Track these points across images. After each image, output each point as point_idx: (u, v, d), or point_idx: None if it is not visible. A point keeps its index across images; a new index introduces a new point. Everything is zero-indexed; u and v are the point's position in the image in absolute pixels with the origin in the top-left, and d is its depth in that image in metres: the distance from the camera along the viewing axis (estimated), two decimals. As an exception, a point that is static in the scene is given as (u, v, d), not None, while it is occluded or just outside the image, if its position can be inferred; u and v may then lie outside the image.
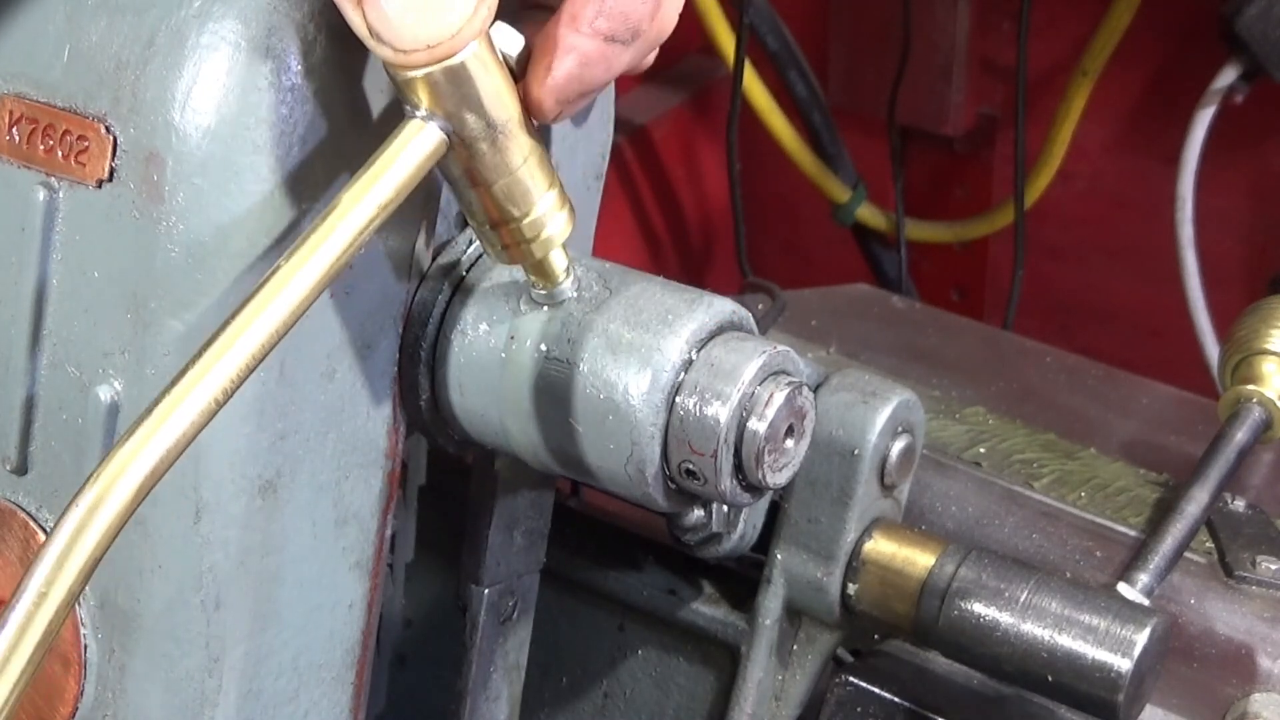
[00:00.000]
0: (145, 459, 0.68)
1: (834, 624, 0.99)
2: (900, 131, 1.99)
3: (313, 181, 0.80)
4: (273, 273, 0.72)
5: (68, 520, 0.67)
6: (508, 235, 0.80)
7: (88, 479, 0.68)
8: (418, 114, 0.75)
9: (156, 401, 0.69)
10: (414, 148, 0.75)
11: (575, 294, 0.84)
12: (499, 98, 0.76)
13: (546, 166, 0.80)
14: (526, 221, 0.79)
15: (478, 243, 0.88)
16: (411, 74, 0.74)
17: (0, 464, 0.85)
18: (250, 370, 0.71)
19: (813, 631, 1.01)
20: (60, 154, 0.80)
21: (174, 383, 0.70)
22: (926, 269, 2.09)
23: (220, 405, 0.70)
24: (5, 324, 0.83)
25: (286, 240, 0.79)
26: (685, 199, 2.17)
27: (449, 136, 0.76)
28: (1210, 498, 1.06)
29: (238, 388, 0.70)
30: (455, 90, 0.74)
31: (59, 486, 0.84)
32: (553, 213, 0.80)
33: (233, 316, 0.71)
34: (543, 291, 0.84)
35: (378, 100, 0.81)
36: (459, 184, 0.79)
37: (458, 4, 0.71)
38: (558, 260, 0.82)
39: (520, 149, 0.78)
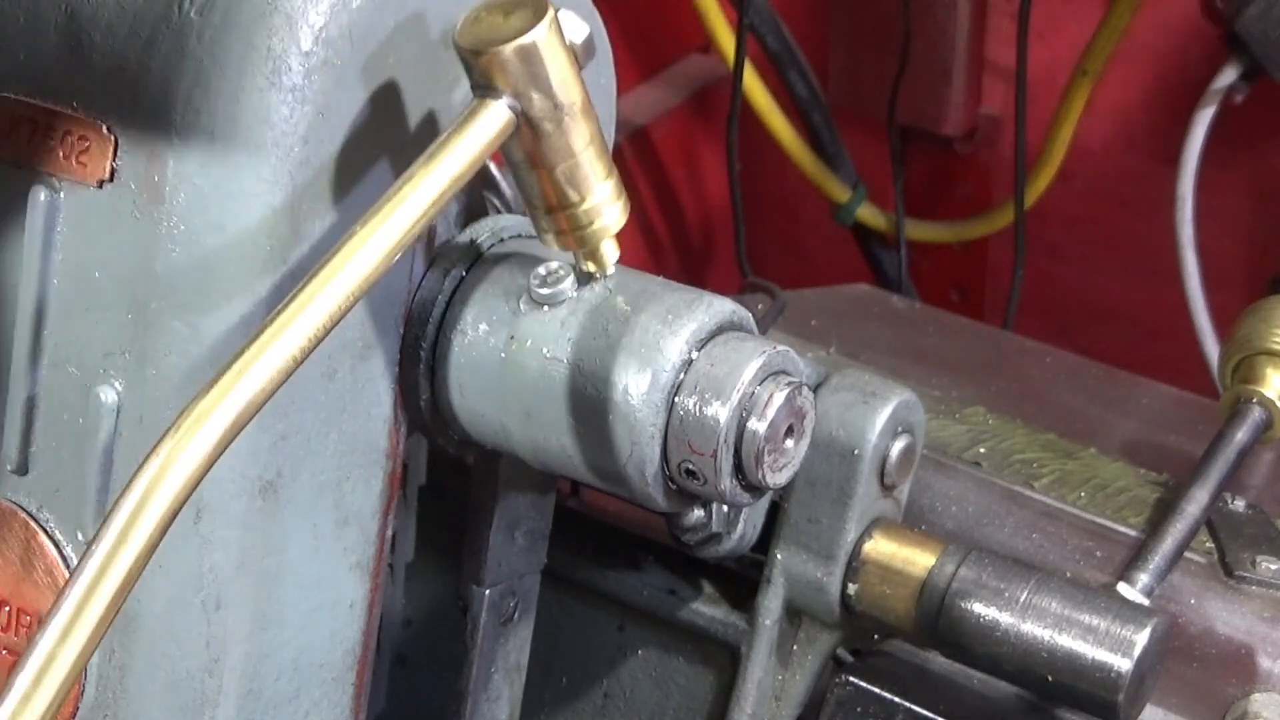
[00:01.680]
0: (223, 413, 0.69)
1: (834, 624, 0.99)
2: (900, 131, 1.99)
3: (313, 182, 0.80)
4: (343, 243, 0.74)
5: (128, 498, 0.68)
6: (564, 220, 0.82)
7: (162, 437, 0.68)
8: (488, 93, 0.78)
9: (212, 382, 0.70)
10: (484, 124, 0.78)
11: (575, 294, 0.84)
12: (566, 80, 0.79)
13: (606, 156, 0.82)
14: (583, 208, 0.82)
15: (478, 242, 0.88)
16: (485, 52, 0.76)
17: (1, 464, 0.85)
18: (321, 337, 0.72)
19: (813, 631, 1.01)
20: (61, 154, 0.80)
21: (239, 354, 0.71)
22: (926, 269, 2.09)
23: (298, 363, 0.71)
24: (6, 324, 0.83)
25: (288, 240, 0.79)
26: (685, 199, 2.17)
27: (516, 116, 0.78)
28: (1210, 498, 1.06)
29: (310, 353, 0.72)
30: (525, 69, 0.77)
31: (60, 487, 0.84)
32: (609, 202, 0.82)
33: (303, 286, 0.72)
34: (543, 291, 0.84)
35: (378, 100, 0.82)
36: (521, 166, 0.81)
37: None
38: (609, 250, 0.84)
39: (583, 134, 0.80)
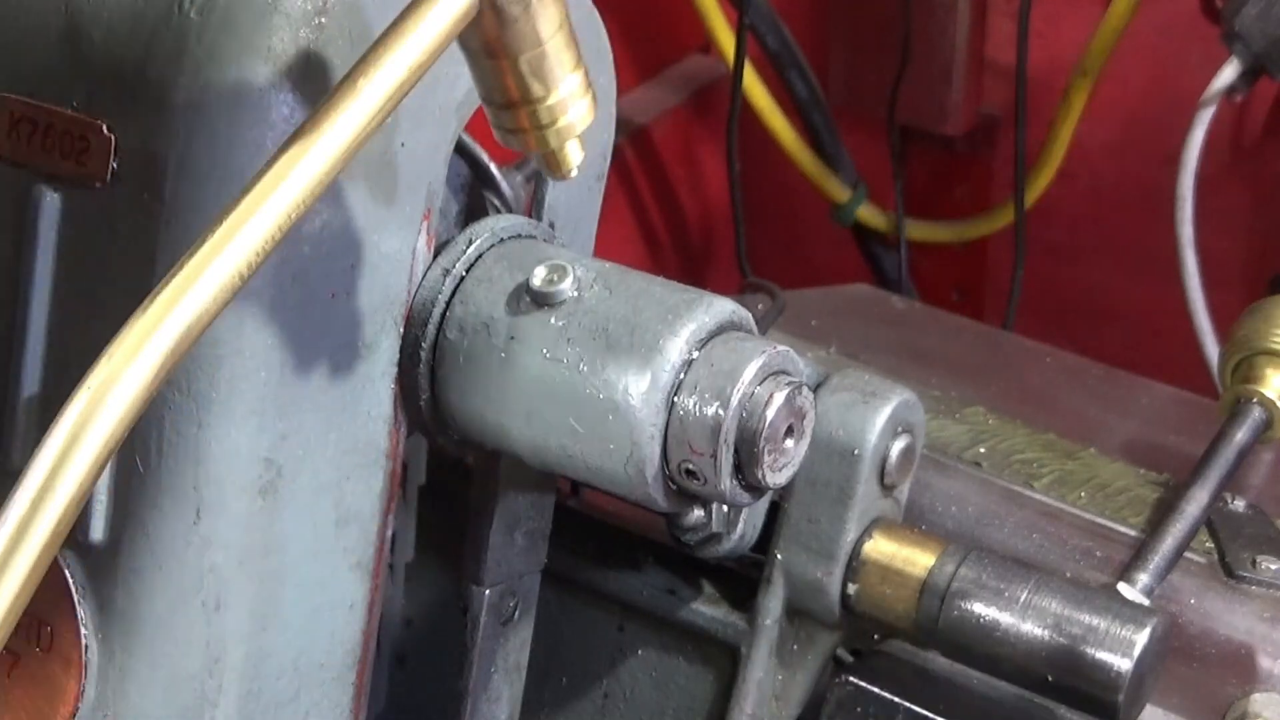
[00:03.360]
0: (164, 335, 0.64)
1: (834, 624, 0.99)
2: (900, 131, 2.00)
3: (313, 182, 0.80)
4: (296, 135, 0.68)
5: (73, 406, 0.63)
6: (526, 118, 0.75)
7: (99, 358, 0.64)
8: None
9: (174, 272, 0.65)
10: (444, 6, 0.70)
11: (575, 294, 0.84)
12: None
13: (574, 47, 0.75)
14: (548, 104, 0.74)
15: (478, 242, 0.88)
16: None
17: (4, 465, 0.85)
18: (275, 242, 0.66)
19: (813, 631, 1.01)
20: (61, 154, 0.80)
21: (190, 253, 0.65)
22: (926, 269, 2.09)
23: (244, 279, 0.66)
24: (5, 324, 0.83)
25: (287, 239, 0.79)
26: (685, 199, 2.17)
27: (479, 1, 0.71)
28: (1210, 498, 1.06)
29: (263, 260, 0.66)
30: None
31: (60, 487, 0.84)
32: (576, 97, 0.75)
33: (254, 181, 0.67)
34: (543, 291, 0.84)
35: (378, 101, 0.82)
36: (477, 56, 0.74)
37: None
38: (573, 152, 0.77)
39: (552, 19, 0.73)
